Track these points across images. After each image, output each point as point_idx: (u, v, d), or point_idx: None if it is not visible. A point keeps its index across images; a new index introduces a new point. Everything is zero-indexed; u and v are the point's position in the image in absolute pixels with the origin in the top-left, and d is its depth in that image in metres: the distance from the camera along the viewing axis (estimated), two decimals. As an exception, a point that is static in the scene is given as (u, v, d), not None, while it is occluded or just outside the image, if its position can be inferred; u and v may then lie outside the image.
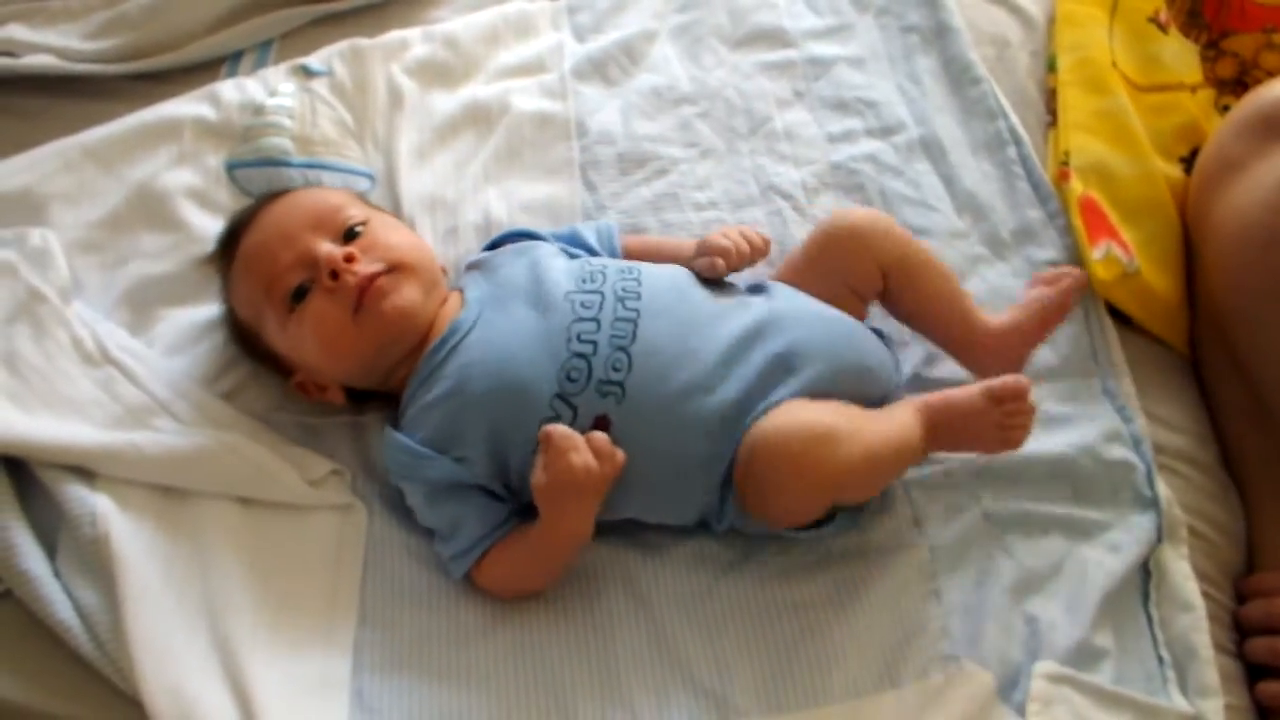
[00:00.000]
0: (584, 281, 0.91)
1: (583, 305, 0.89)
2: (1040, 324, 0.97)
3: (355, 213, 0.94)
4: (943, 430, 0.89)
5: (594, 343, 0.87)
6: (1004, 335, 0.96)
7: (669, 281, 0.93)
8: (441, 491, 0.89)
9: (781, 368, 0.88)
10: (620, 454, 0.84)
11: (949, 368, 1.02)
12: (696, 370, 0.87)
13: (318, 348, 0.91)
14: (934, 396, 0.90)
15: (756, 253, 0.96)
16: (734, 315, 0.91)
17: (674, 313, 0.90)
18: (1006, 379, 0.87)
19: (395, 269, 0.91)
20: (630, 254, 1.02)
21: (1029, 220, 1.10)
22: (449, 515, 0.89)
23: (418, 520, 0.93)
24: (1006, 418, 0.88)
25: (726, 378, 0.87)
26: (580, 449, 0.82)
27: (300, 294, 0.90)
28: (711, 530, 0.93)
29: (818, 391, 0.88)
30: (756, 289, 0.96)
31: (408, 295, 0.90)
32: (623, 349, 0.87)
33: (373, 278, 0.89)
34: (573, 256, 0.98)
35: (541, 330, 0.88)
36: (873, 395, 0.92)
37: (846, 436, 0.83)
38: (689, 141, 1.17)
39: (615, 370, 0.86)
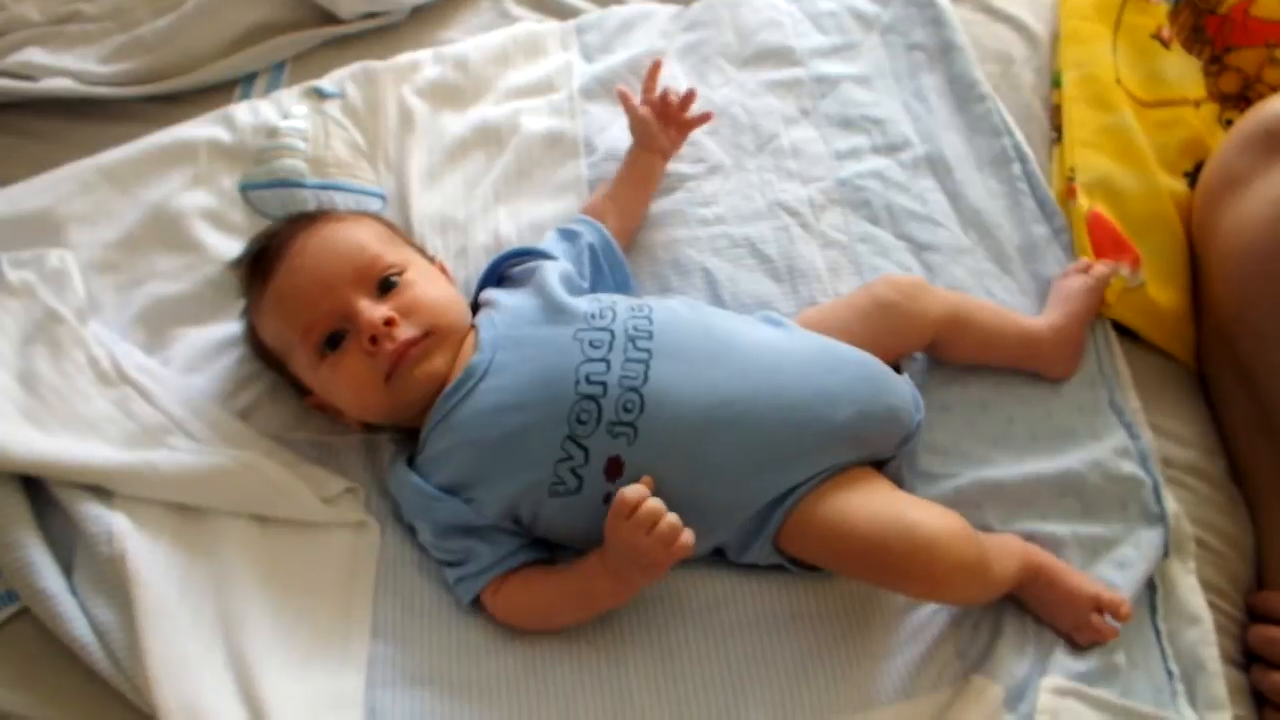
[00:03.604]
0: (593, 318, 0.91)
1: (591, 345, 0.89)
2: (1088, 308, 1.03)
3: (392, 259, 0.94)
4: (1037, 584, 0.90)
5: (603, 384, 0.86)
6: (1065, 327, 1.01)
7: (682, 320, 0.92)
8: (450, 532, 0.90)
9: (808, 412, 0.88)
10: (686, 539, 0.82)
11: (958, 377, 1.03)
12: (713, 415, 0.87)
13: (346, 398, 0.93)
14: (1047, 560, 0.91)
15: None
16: (751, 357, 0.90)
17: (688, 354, 0.89)
18: (1120, 600, 0.89)
19: (430, 333, 0.91)
20: (595, 210, 1.06)
21: (1034, 236, 1.11)
22: (460, 546, 0.90)
23: (431, 554, 0.94)
24: (1090, 622, 0.89)
25: (750, 427, 0.87)
26: (652, 532, 0.81)
27: (334, 340, 0.91)
28: (725, 558, 0.93)
29: (846, 437, 0.88)
30: (774, 323, 0.96)
31: (438, 362, 0.92)
32: (634, 389, 0.86)
33: (410, 344, 0.90)
34: (577, 285, 0.98)
35: (551, 371, 0.88)
36: (896, 435, 0.92)
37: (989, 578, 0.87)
38: (696, 158, 1.18)
39: (626, 411, 0.86)
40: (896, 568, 0.83)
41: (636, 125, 1.09)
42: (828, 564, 0.89)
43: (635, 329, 0.90)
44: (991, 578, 0.87)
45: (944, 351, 1.01)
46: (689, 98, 1.10)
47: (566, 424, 0.86)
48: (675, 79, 1.24)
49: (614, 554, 0.84)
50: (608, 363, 0.87)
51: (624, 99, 1.09)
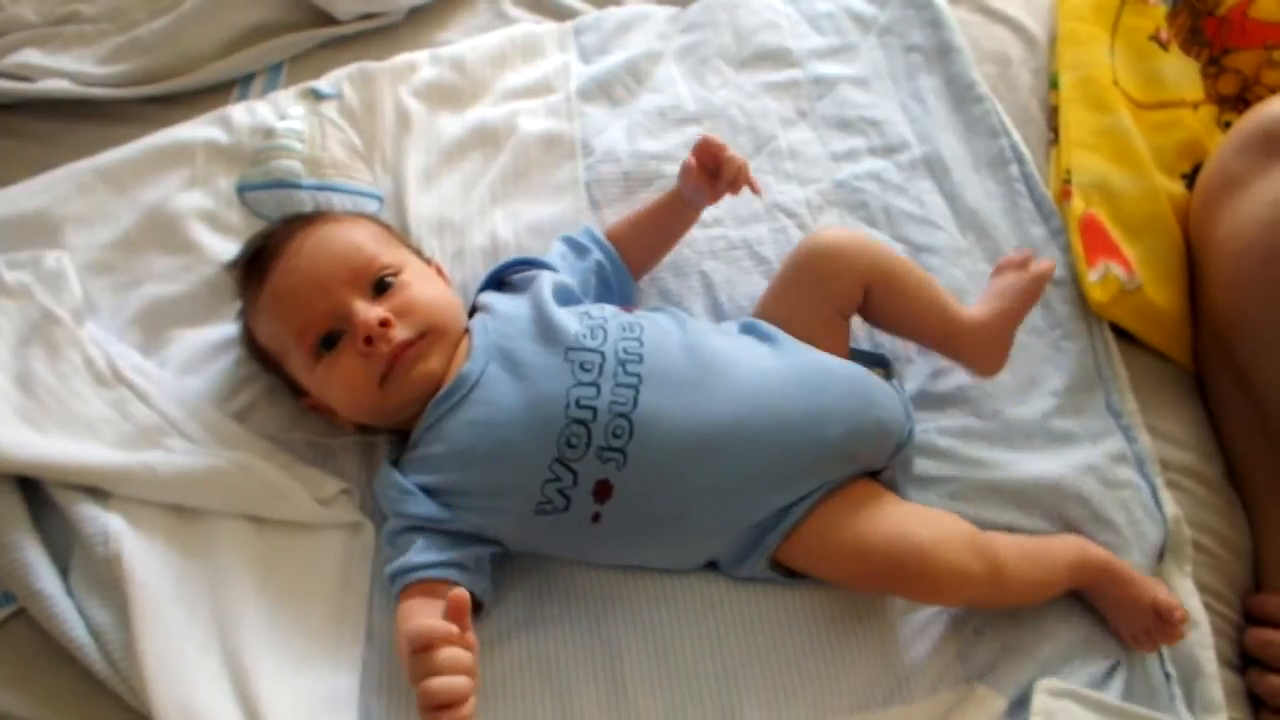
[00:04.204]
0: (585, 337, 0.90)
1: (582, 368, 0.88)
2: (1019, 307, 0.98)
3: (388, 260, 0.94)
4: (1100, 584, 0.91)
5: (593, 409, 0.86)
6: (987, 325, 0.97)
7: (672, 342, 0.91)
8: (411, 529, 0.88)
9: (799, 433, 0.88)
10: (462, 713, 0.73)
11: (956, 380, 1.03)
12: (703, 440, 0.86)
13: (341, 399, 0.93)
14: (1111, 561, 0.92)
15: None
16: (741, 380, 0.89)
17: (677, 378, 0.88)
18: (1174, 604, 0.89)
19: (426, 334, 0.91)
20: (616, 238, 1.04)
21: (1032, 237, 1.11)
22: (407, 540, 0.88)
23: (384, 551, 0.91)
24: (1154, 628, 0.90)
25: (741, 450, 0.87)
26: (433, 692, 0.73)
27: (329, 341, 0.91)
28: (719, 569, 0.93)
29: (838, 454, 0.88)
30: (762, 336, 0.95)
31: (434, 363, 0.91)
32: (623, 415, 0.86)
33: (405, 346, 0.90)
34: (573, 297, 0.97)
35: (541, 393, 0.87)
36: (888, 447, 0.92)
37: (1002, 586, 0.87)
38: (694, 160, 1.18)
39: (616, 437, 0.85)
40: (905, 584, 0.85)
41: (690, 179, 0.99)
42: (832, 579, 0.90)
43: (625, 351, 0.89)
44: (1005, 582, 0.87)
45: (873, 314, 0.98)
46: (738, 174, 0.98)
47: (556, 447, 0.85)
48: (672, 80, 1.24)
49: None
50: (598, 387, 0.87)
51: (687, 168, 0.99)
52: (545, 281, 0.96)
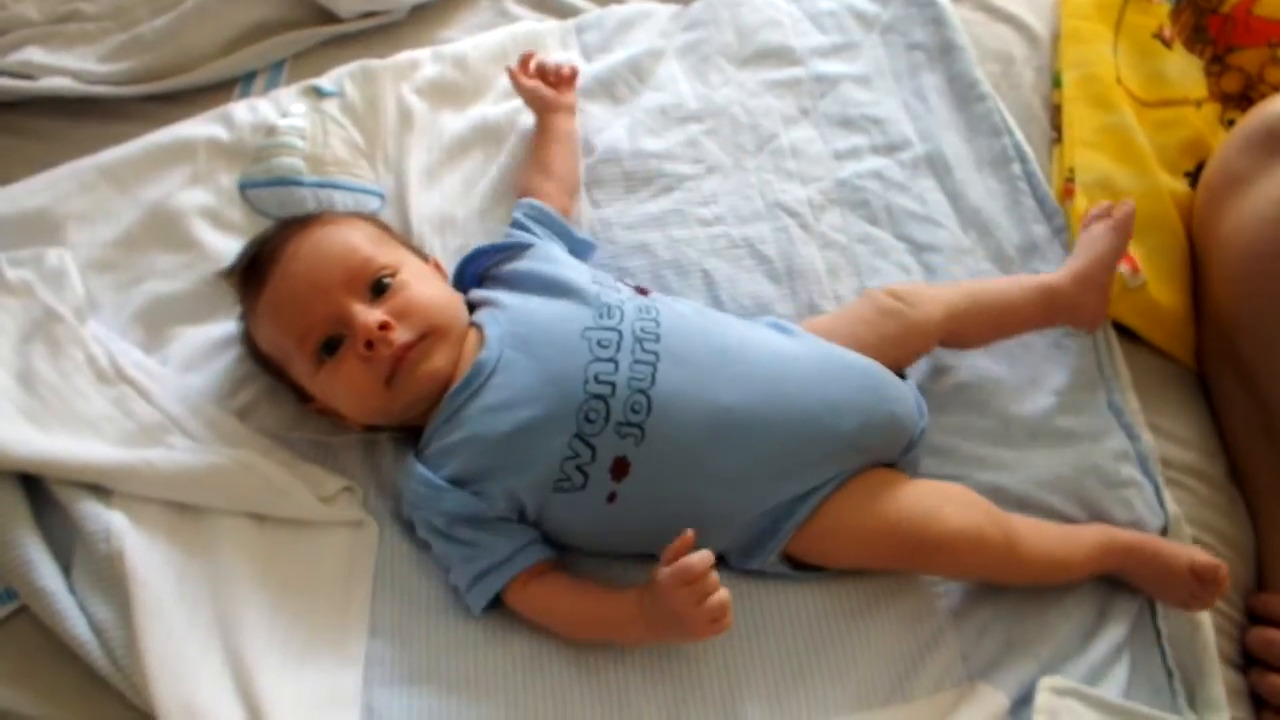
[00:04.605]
0: (601, 316, 0.91)
1: (600, 344, 0.89)
2: (1112, 249, 1.01)
3: (384, 261, 0.94)
4: (1129, 565, 0.92)
5: (612, 384, 0.87)
6: (1087, 271, 1.00)
7: (689, 324, 0.92)
8: (458, 522, 0.89)
9: (813, 422, 0.88)
10: (729, 619, 0.82)
11: (957, 379, 1.03)
12: (719, 421, 0.87)
13: (348, 403, 0.93)
14: (1137, 540, 0.93)
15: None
16: (757, 365, 0.90)
17: (694, 358, 0.89)
18: (1215, 562, 0.90)
19: (427, 334, 0.91)
20: (531, 190, 1.06)
21: (1034, 236, 1.11)
22: (469, 538, 0.89)
23: (433, 556, 0.93)
24: (1198, 590, 0.90)
25: (755, 434, 0.87)
26: (703, 603, 0.81)
27: (330, 346, 0.91)
28: (728, 564, 0.93)
29: (850, 445, 0.89)
30: (779, 329, 0.96)
31: (438, 361, 0.91)
32: (642, 391, 0.87)
33: (407, 348, 0.90)
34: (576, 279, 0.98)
35: (559, 370, 0.88)
36: (900, 443, 0.93)
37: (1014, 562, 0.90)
38: (695, 158, 1.17)
39: (634, 412, 0.86)
40: (927, 556, 0.88)
41: (530, 95, 1.14)
42: (850, 563, 0.91)
43: (643, 330, 0.90)
44: (1022, 552, 0.89)
45: (959, 342, 1.01)
46: (556, 66, 1.16)
47: (575, 422, 0.86)
48: (675, 78, 1.24)
49: (659, 611, 0.82)
50: (616, 363, 0.87)
51: (512, 76, 1.14)
52: (552, 264, 0.97)
